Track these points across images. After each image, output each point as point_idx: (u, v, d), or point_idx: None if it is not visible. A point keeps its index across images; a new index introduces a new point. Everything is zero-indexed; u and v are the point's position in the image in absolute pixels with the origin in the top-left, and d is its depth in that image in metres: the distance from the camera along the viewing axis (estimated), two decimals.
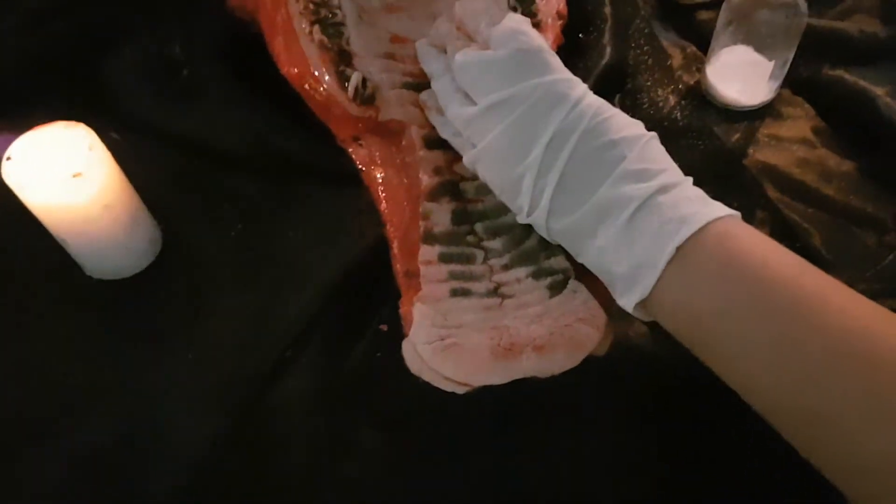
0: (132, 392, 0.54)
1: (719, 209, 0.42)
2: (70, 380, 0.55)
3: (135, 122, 0.66)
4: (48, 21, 0.70)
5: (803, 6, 0.61)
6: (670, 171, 0.43)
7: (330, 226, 0.60)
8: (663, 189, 0.42)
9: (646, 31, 0.71)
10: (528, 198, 0.44)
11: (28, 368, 0.55)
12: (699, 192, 0.43)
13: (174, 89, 0.68)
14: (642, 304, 0.42)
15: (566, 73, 0.46)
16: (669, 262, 0.40)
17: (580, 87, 0.45)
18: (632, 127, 0.44)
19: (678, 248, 0.40)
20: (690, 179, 0.44)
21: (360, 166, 0.51)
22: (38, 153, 0.53)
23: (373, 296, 0.57)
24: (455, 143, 0.49)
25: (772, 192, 0.63)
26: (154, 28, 0.70)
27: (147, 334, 0.57)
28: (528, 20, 0.47)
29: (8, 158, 0.52)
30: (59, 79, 0.68)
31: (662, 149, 0.45)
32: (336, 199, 0.61)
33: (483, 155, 0.45)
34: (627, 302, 0.42)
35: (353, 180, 0.57)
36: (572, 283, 0.45)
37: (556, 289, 0.46)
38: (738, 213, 0.42)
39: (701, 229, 0.40)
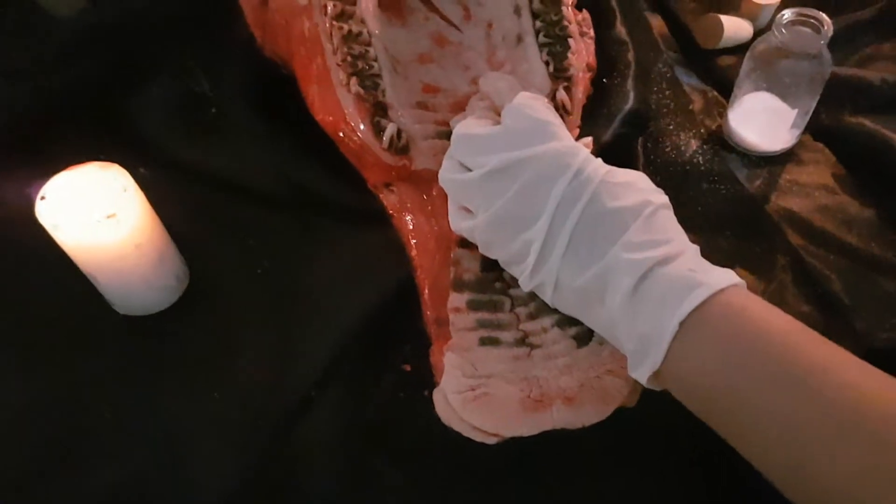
0: (157, 429, 0.54)
1: (723, 278, 0.41)
2: (95, 416, 0.55)
3: (163, 158, 0.67)
4: (78, 57, 0.71)
5: (827, 56, 0.61)
6: (676, 241, 0.43)
7: (355, 264, 0.61)
8: (667, 259, 0.42)
9: (668, 75, 0.72)
10: (532, 265, 0.44)
11: (54, 403, 0.56)
12: (703, 262, 0.43)
13: (202, 127, 0.69)
14: (654, 375, 0.42)
15: (569, 140, 0.46)
16: (675, 336, 0.40)
17: (583, 153, 0.45)
18: (639, 193, 0.44)
19: (682, 322, 0.40)
20: (696, 249, 0.44)
21: (390, 212, 0.52)
22: (73, 193, 0.53)
23: (396, 335, 0.57)
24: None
25: (793, 239, 0.63)
26: (183, 66, 0.71)
27: (172, 371, 0.57)
28: (541, 97, 0.48)
29: (42, 198, 0.53)
30: (87, 115, 0.69)
31: (671, 217, 0.45)
32: (361, 238, 0.61)
33: (484, 225, 0.45)
34: (640, 375, 0.42)
35: (378, 220, 0.57)
36: (598, 335, 0.46)
37: (583, 340, 0.46)
38: (742, 282, 0.42)
39: (705, 301, 0.40)
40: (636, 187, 0.44)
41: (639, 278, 0.41)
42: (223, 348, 0.58)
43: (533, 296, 0.47)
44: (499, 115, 0.48)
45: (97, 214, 0.53)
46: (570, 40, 0.51)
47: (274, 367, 0.57)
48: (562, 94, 0.49)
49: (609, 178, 0.44)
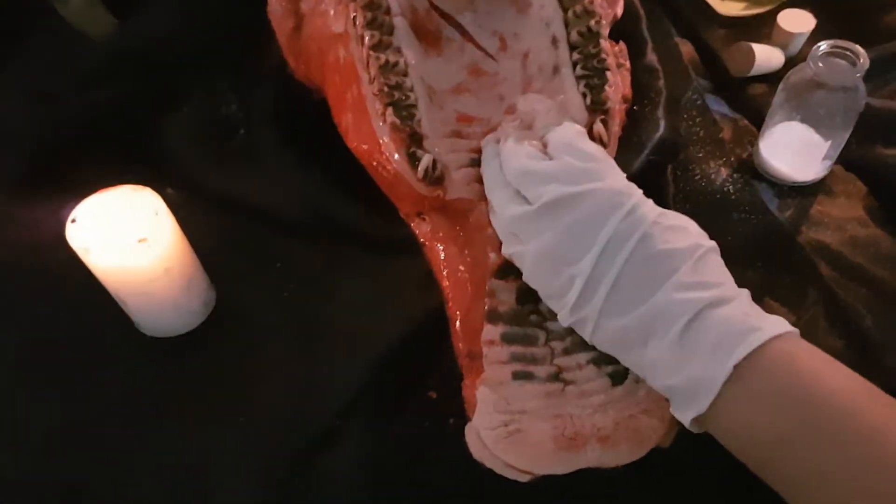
0: (179, 453, 0.54)
1: (777, 325, 0.41)
2: (118, 438, 0.55)
3: (191, 181, 0.67)
4: (110, 78, 0.71)
5: (862, 89, 0.61)
6: (726, 284, 0.43)
7: (380, 293, 0.61)
8: (718, 302, 0.41)
9: (698, 102, 0.72)
10: (574, 301, 0.43)
11: (78, 425, 0.55)
12: (755, 307, 0.43)
13: (230, 150, 0.69)
14: (698, 418, 0.41)
15: (622, 181, 0.46)
16: (727, 381, 0.39)
17: (636, 194, 0.45)
18: (690, 237, 0.44)
19: (735, 367, 0.39)
20: (747, 293, 0.43)
21: (422, 240, 0.51)
22: (104, 216, 0.53)
23: (422, 363, 0.57)
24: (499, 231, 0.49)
25: (825, 271, 0.62)
26: (213, 88, 0.71)
27: (196, 395, 0.57)
28: (583, 130, 0.48)
29: (73, 221, 0.53)
30: (118, 136, 0.69)
31: (720, 261, 0.44)
32: (387, 266, 0.61)
33: (531, 254, 0.45)
34: (683, 416, 0.41)
35: (404, 249, 0.57)
36: (633, 374, 0.45)
37: (618, 378, 0.45)
38: (796, 330, 0.42)
39: (759, 347, 0.39)
40: (686, 231, 0.44)
41: (690, 319, 0.41)
42: (247, 374, 0.58)
43: (569, 330, 0.46)
44: (534, 134, 0.48)
45: (128, 238, 0.52)
46: (608, 73, 0.50)
47: (298, 394, 0.56)
48: (599, 128, 0.49)
49: (661, 220, 0.44)
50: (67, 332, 0.59)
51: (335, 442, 0.54)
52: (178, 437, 0.55)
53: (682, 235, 0.44)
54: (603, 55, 0.50)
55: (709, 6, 0.79)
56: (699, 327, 0.41)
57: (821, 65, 0.59)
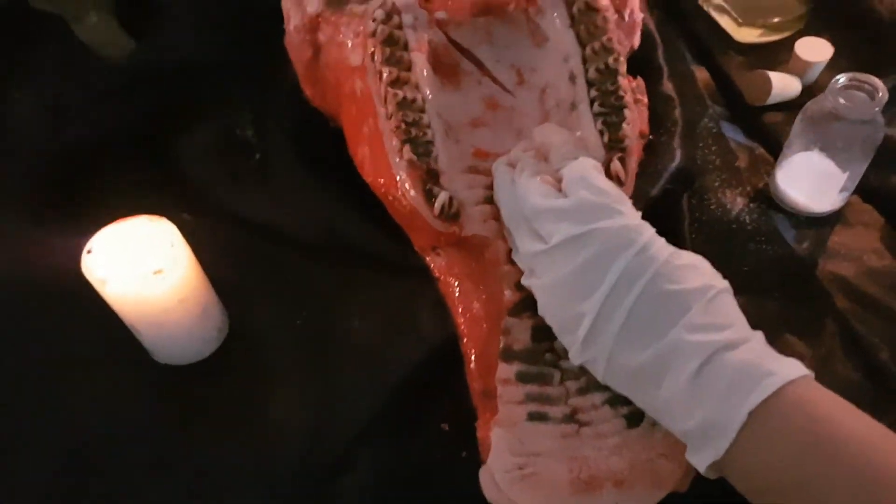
0: (193, 479, 0.54)
1: (792, 369, 0.41)
2: (132, 465, 0.55)
3: (207, 203, 0.67)
4: (125, 98, 0.71)
5: (881, 121, 0.60)
6: (739, 325, 0.43)
7: (394, 318, 0.60)
8: (732, 344, 0.41)
9: (714, 130, 0.71)
10: (582, 339, 0.43)
11: (92, 451, 0.56)
12: (769, 349, 0.42)
13: (246, 172, 0.69)
14: (714, 463, 0.41)
15: (635, 218, 0.46)
16: (742, 427, 0.39)
17: (648, 232, 0.45)
18: (702, 277, 0.44)
19: (751, 413, 0.39)
20: (760, 335, 0.43)
21: (437, 275, 0.51)
22: (120, 248, 0.53)
23: (435, 392, 0.57)
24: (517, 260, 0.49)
25: (841, 304, 0.62)
26: (229, 110, 0.72)
27: (210, 422, 0.57)
28: (598, 165, 0.48)
29: (88, 252, 0.53)
30: (133, 157, 0.70)
31: (733, 302, 0.44)
32: (402, 291, 0.61)
33: (545, 289, 0.45)
34: (699, 462, 0.41)
35: (419, 272, 0.57)
36: (649, 416, 0.45)
37: (634, 420, 0.45)
38: (811, 373, 0.41)
39: (775, 392, 0.39)
40: (698, 270, 0.44)
41: (703, 361, 0.40)
42: (260, 400, 0.58)
43: (584, 369, 0.46)
44: (549, 167, 0.48)
45: (144, 269, 0.53)
46: (626, 111, 0.50)
47: (311, 421, 0.56)
48: (616, 166, 0.49)
49: (673, 259, 0.43)
50: (82, 359, 0.59)
51: (346, 469, 0.54)
52: (191, 464, 0.55)
53: (694, 275, 0.44)
54: (621, 93, 0.50)
55: (725, 33, 0.78)
56: (713, 370, 0.40)
57: (840, 99, 0.59)
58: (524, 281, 0.47)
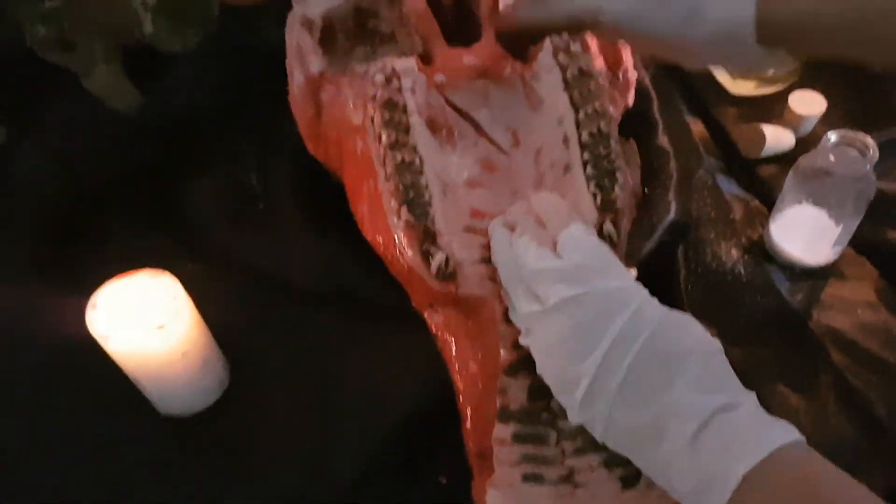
0: None
1: (786, 433, 0.41)
2: None
3: (209, 251, 0.69)
4: (132, 150, 0.73)
5: (873, 178, 0.61)
6: (734, 388, 0.43)
7: (395, 366, 0.61)
8: (728, 407, 0.42)
9: (709, 182, 0.72)
10: (582, 400, 0.44)
11: (96, 499, 0.57)
12: (762, 412, 0.43)
13: (249, 221, 0.71)
14: None
15: (629, 281, 0.47)
16: (736, 489, 0.39)
17: (642, 294, 0.46)
18: (695, 338, 0.44)
19: (745, 476, 0.39)
20: (754, 397, 0.44)
21: (434, 331, 0.52)
22: (123, 303, 0.55)
23: (434, 442, 0.57)
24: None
25: (836, 357, 0.63)
26: (232, 160, 0.73)
27: (209, 471, 0.58)
28: (591, 229, 0.49)
29: (93, 307, 0.54)
30: (138, 207, 0.71)
31: (726, 361, 0.45)
32: (402, 340, 0.61)
33: (542, 350, 0.46)
34: None
35: (419, 322, 0.58)
36: (645, 478, 0.45)
37: (629, 483, 0.46)
38: (803, 438, 0.42)
39: (770, 455, 0.40)
40: (691, 331, 0.45)
41: (700, 424, 0.41)
42: (261, 449, 0.59)
43: (580, 429, 0.47)
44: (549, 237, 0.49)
45: (146, 325, 0.53)
46: (618, 174, 0.51)
47: (310, 468, 0.57)
48: (609, 227, 0.50)
49: (667, 320, 0.44)
50: (84, 410, 0.60)
51: None
52: None
53: (688, 336, 0.45)
54: (613, 156, 0.51)
55: (720, 85, 0.80)
56: (710, 433, 0.41)
57: (831, 156, 0.60)
58: (522, 340, 0.48)
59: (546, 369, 0.47)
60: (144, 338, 0.53)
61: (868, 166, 0.60)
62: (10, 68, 0.81)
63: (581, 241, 0.47)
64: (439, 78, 0.55)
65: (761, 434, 0.41)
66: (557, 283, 0.46)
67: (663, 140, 0.70)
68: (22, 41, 0.77)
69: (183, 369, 0.56)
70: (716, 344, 0.45)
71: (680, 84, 0.82)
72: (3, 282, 0.67)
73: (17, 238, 0.68)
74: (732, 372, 0.45)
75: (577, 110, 0.53)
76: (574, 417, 0.45)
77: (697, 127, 0.78)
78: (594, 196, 0.51)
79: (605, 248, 0.47)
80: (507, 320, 0.49)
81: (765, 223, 0.70)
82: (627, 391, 0.43)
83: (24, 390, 0.61)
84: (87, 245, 0.68)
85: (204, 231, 0.70)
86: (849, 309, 0.66)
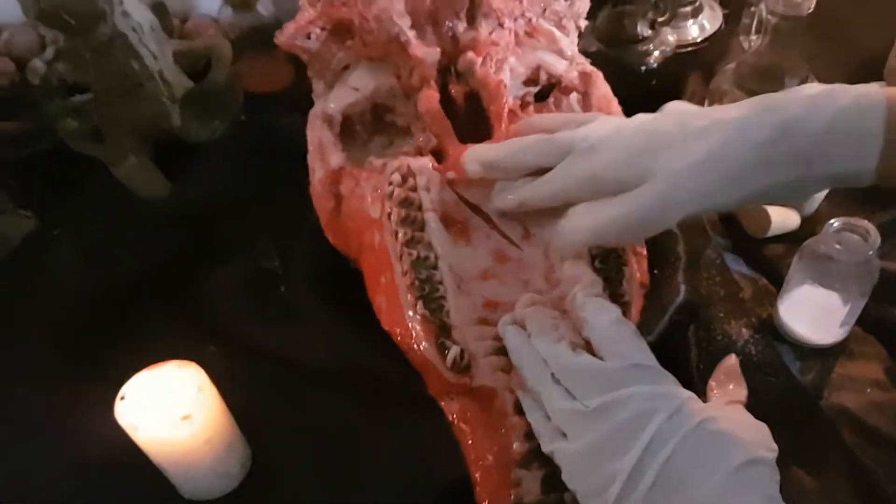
0: None
1: None
2: None
3: (231, 336, 0.71)
4: (159, 238, 0.76)
5: (876, 262, 0.63)
6: (774, 497, 0.43)
7: (413, 450, 0.63)
8: None
9: (717, 261, 0.74)
10: (613, 499, 0.44)
11: None
12: None
13: (270, 307, 0.73)
14: None
15: (669, 380, 0.47)
16: None
17: (683, 395, 0.46)
18: (737, 444, 0.44)
19: None
20: None
21: (451, 419, 0.53)
22: (151, 394, 0.57)
23: None
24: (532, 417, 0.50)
25: (847, 437, 0.63)
26: (255, 246, 0.76)
27: None
28: (630, 326, 0.50)
29: (122, 398, 0.56)
30: (164, 294, 0.74)
31: (768, 472, 0.45)
32: (421, 425, 0.62)
33: (577, 452, 0.46)
34: None
35: (436, 408, 0.59)
36: None
37: None
38: None
39: None
40: (736, 438, 0.45)
41: None
42: None
43: None
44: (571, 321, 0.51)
45: (173, 415, 0.55)
46: (625, 268, 0.53)
47: None
48: None
49: (707, 423, 0.44)
50: (109, 489, 0.62)
51: None
52: None
53: (726, 440, 0.44)
54: (620, 250, 0.53)
55: None
56: None
57: (834, 243, 0.61)
58: (546, 447, 0.48)
59: (577, 472, 0.47)
60: (171, 427, 0.55)
61: (871, 251, 0.61)
62: (40, 158, 0.85)
63: (617, 339, 0.48)
64: (451, 174, 0.58)
65: None
66: (597, 383, 0.46)
67: None
68: (53, 132, 0.81)
69: (207, 455, 0.58)
70: (762, 454, 0.45)
71: None
72: (33, 374, 0.69)
73: (47, 330, 0.71)
74: (773, 480, 0.45)
75: None
76: None
77: None
78: (603, 289, 0.53)
79: (641, 342, 0.48)
80: (519, 412, 0.50)
81: (773, 302, 0.71)
82: (658, 492, 0.43)
83: (56, 478, 0.63)
84: (115, 335, 0.71)
85: (227, 318, 0.72)
86: (858, 388, 0.66)
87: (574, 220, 0.52)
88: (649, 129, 0.51)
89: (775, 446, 0.46)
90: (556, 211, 0.55)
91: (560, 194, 0.53)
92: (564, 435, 0.47)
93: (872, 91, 0.46)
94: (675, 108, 0.55)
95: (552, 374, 0.48)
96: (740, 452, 0.44)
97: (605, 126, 0.53)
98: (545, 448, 0.48)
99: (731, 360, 0.53)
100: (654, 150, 0.49)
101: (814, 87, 0.48)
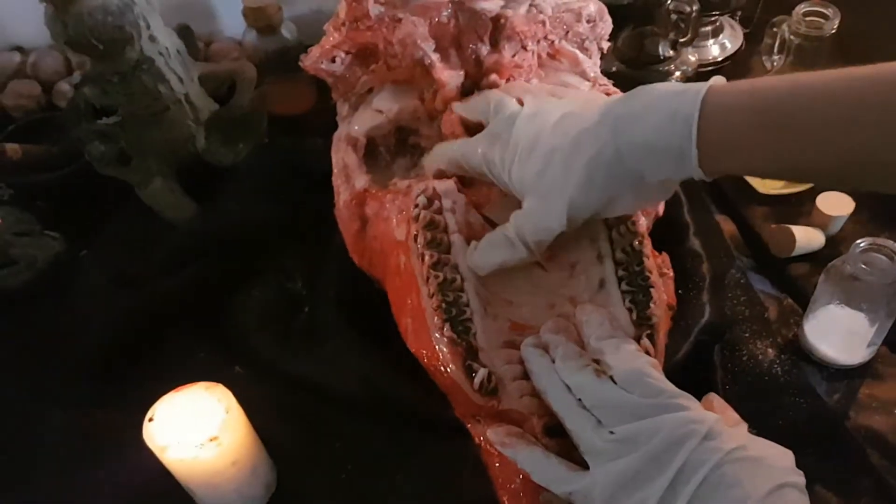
0: None
1: None
2: None
3: (257, 359, 0.71)
4: (187, 263, 0.76)
5: None
6: None
7: (438, 477, 0.63)
8: None
9: (742, 281, 0.74)
10: None
11: None
12: None
13: (295, 329, 0.73)
14: None
15: (698, 409, 0.47)
16: None
17: (712, 420, 0.46)
18: (769, 472, 0.44)
19: None
20: None
21: (478, 442, 0.53)
22: (179, 415, 0.57)
23: None
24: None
25: (875, 459, 0.63)
26: (280, 268, 0.76)
27: None
28: (654, 361, 0.50)
29: (150, 420, 0.57)
30: (191, 317, 0.74)
31: (800, 499, 0.45)
32: (444, 450, 0.63)
33: (606, 481, 0.46)
34: None
35: (463, 433, 0.59)
36: None
37: None
38: None
39: None
40: (767, 464, 0.45)
41: None
42: None
43: None
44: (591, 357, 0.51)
45: (201, 436, 0.56)
46: (652, 290, 0.53)
47: None
48: (646, 343, 0.51)
49: (737, 452, 0.44)
50: None
51: None
52: None
53: (756, 469, 0.44)
54: (647, 273, 0.53)
55: (748, 184, 0.82)
56: None
57: (860, 264, 0.61)
58: (565, 488, 0.48)
59: (609, 495, 0.46)
60: (198, 449, 0.55)
61: None
62: (67, 181, 0.86)
63: (643, 377, 0.48)
64: (476, 196, 0.58)
65: None
66: (625, 411, 0.47)
67: (695, 242, 0.73)
68: (79, 155, 0.82)
69: (232, 477, 0.58)
70: (793, 479, 0.45)
71: (708, 184, 0.84)
72: (62, 396, 0.70)
73: (75, 351, 0.72)
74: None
75: (609, 228, 0.56)
76: None
77: (727, 225, 0.80)
78: (630, 311, 0.53)
79: (665, 381, 0.48)
80: (547, 436, 0.50)
81: (799, 322, 0.71)
82: None
83: (88, 499, 0.64)
84: (142, 356, 0.71)
85: (253, 339, 0.72)
86: (886, 409, 0.66)
87: None
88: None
89: (801, 473, 0.46)
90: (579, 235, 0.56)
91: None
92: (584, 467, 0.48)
93: (690, 96, 0.47)
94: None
95: (578, 400, 0.48)
96: (771, 478, 0.44)
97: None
98: (563, 490, 0.48)
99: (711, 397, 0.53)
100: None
101: (653, 92, 0.50)
